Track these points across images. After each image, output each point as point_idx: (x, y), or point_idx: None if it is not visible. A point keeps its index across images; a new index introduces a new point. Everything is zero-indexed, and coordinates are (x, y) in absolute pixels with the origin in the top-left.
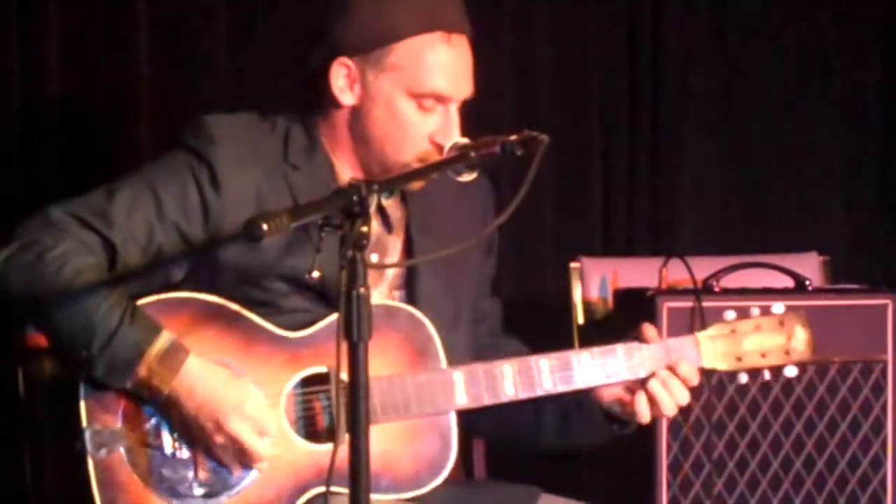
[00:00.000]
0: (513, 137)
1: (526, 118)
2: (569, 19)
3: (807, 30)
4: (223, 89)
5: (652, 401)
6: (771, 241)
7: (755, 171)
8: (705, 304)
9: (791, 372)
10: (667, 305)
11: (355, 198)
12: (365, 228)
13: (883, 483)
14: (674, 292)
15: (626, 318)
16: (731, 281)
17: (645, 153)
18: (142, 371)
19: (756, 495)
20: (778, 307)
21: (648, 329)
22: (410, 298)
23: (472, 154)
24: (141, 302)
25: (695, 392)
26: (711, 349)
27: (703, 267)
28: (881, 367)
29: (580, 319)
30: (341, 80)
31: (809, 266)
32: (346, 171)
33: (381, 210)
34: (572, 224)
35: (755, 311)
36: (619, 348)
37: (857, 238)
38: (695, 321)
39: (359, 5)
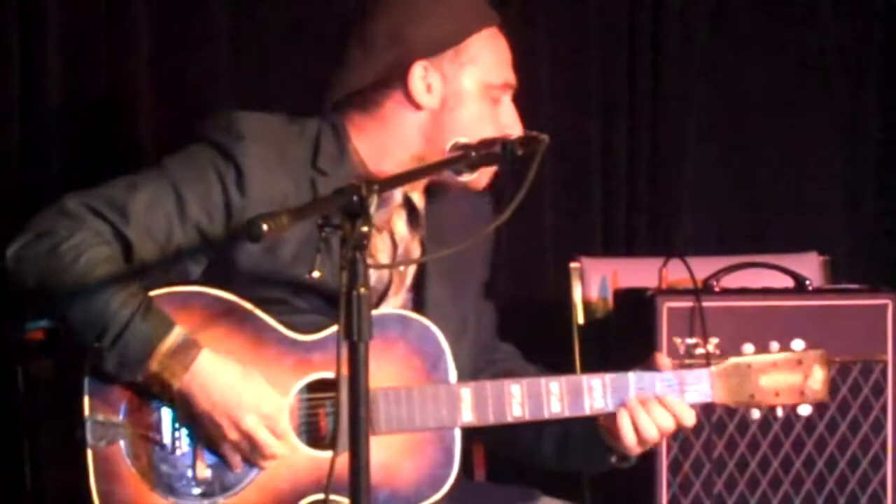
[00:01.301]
0: (513, 137)
1: (526, 118)
2: (569, 18)
3: (807, 31)
4: (223, 89)
5: (634, 423)
6: (771, 241)
7: (755, 171)
8: (705, 304)
9: (805, 410)
10: (667, 305)
11: (355, 198)
12: (365, 228)
13: (883, 483)
14: (674, 292)
15: (626, 318)
16: (731, 281)
17: (645, 152)
18: (153, 365)
19: (756, 495)
20: (798, 343)
21: (661, 358)
22: (419, 305)
23: (473, 154)
24: (153, 293)
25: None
26: (725, 385)
27: (703, 267)
28: (881, 367)
29: (580, 319)
30: (419, 82)
31: (809, 266)
32: None
33: (410, 205)
34: (572, 224)
35: (774, 346)
36: (631, 376)
37: (857, 238)
38: (695, 321)
39: (430, 6)
